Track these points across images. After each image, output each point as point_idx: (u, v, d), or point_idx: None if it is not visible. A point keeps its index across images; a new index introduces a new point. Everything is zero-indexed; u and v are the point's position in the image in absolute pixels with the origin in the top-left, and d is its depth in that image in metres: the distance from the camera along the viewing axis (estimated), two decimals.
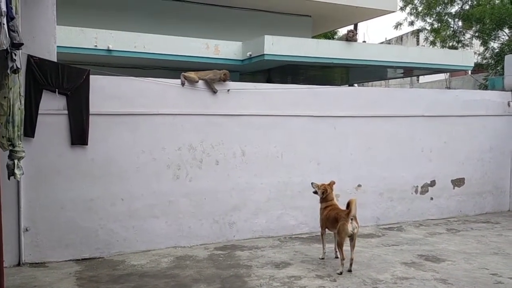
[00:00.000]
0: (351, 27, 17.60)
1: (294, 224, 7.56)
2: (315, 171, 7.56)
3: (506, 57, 9.93)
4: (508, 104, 9.31)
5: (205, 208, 6.96)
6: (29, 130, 5.90)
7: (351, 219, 5.53)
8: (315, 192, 6.22)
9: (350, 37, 10.35)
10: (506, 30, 16.64)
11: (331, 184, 6.20)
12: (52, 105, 6.08)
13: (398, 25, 19.10)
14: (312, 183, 6.28)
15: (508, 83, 9.42)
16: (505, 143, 9.33)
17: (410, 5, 18.45)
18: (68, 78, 6.10)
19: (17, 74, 5.21)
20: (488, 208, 9.25)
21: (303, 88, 7.76)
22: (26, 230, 5.97)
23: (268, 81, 11.95)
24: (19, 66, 5.10)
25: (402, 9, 18.41)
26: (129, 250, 6.49)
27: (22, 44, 4.69)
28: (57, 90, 6.06)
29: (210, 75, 7.00)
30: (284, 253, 6.49)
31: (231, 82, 7.24)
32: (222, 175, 7.06)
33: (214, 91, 6.97)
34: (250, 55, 9.87)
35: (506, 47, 15.67)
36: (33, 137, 5.94)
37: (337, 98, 7.91)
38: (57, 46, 6.22)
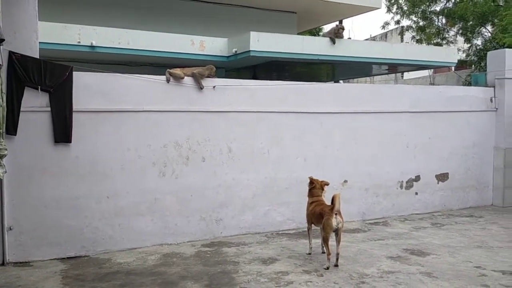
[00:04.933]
0: (336, 23, 17.70)
1: (281, 220, 7.57)
2: (301, 167, 7.59)
3: (489, 53, 10.05)
4: (491, 100, 9.45)
5: (192, 205, 6.93)
6: (11, 127, 5.80)
7: (336, 214, 5.56)
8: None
9: (338, 32, 10.36)
10: (489, 27, 16.87)
11: (323, 182, 6.21)
12: (35, 102, 5.99)
13: (385, 25, 19.30)
14: (309, 177, 6.32)
15: (491, 80, 9.55)
16: (488, 138, 9.47)
17: (395, 5, 18.65)
18: (51, 75, 6.01)
19: None
20: (471, 202, 9.38)
21: (289, 85, 7.76)
22: (10, 229, 5.88)
23: (254, 77, 11.92)
24: (0, 63, 5.03)
25: (388, 9, 18.60)
26: (115, 248, 6.44)
27: (4, 40, 4.63)
28: (39, 87, 5.97)
29: (199, 70, 6.97)
30: (271, 249, 6.50)
31: (217, 79, 7.22)
32: (209, 172, 7.04)
33: (201, 87, 6.94)
34: (236, 51, 9.83)
35: (489, 44, 15.89)
36: (15, 134, 5.84)
37: (323, 94, 7.94)
38: (40, 42, 6.11)
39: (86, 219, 6.29)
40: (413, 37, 19.19)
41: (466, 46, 17.50)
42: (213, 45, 10.05)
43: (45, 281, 5.26)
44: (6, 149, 5.31)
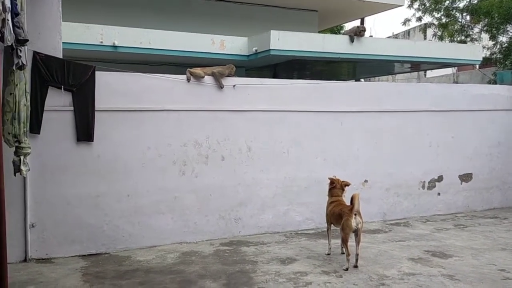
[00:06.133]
0: (358, 21, 17.53)
1: (300, 220, 7.53)
2: (321, 166, 7.53)
3: None
4: None
5: (211, 204, 6.96)
6: (35, 126, 5.91)
7: (355, 214, 5.50)
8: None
9: (359, 33, 10.26)
10: None
11: (344, 184, 6.15)
12: (58, 102, 6.08)
13: (406, 21, 18.98)
14: (329, 177, 6.26)
15: None
16: None
17: (417, 1, 18.32)
18: (74, 75, 6.10)
19: (22, 71, 5.25)
20: (496, 203, 9.18)
21: (309, 84, 7.71)
22: (33, 226, 6.00)
23: (274, 76, 11.92)
24: (24, 63, 5.13)
25: (410, 6, 18.29)
26: (135, 246, 6.51)
27: (27, 40, 4.70)
28: (62, 86, 6.06)
29: (219, 69, 6.99)
30: (290, 249, 6.47)
31: (237, 78, 7.23)
32: (228, 171, 7.05)
33: (221, 87, 6.95)
34: (256, 50, 9.83)
35: None
36: (39, 133, 5.95)
37: (343, 93, 7.86)
38: (63, 43, 6.22)
39: (106, 217, 6.37)
40: (435, 34, 18.83)
41: (491, 43, 17.10)
42: (233, 44, 10.07)
43: (66, 278, 5.35)
44: (29, 148, 5.42)
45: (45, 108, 5.98)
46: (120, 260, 6.03)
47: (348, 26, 18.88)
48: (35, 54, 5.89)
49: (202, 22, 11.39)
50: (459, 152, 8.76)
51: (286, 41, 9.53)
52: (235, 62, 7.98)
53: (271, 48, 9.37)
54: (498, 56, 16.46)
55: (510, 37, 16.42)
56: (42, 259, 6.03)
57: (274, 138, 7.34)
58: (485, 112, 8.97)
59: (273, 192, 7.34)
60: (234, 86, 7.05)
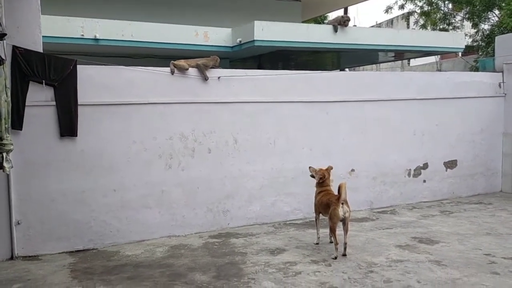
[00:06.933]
0: (341, 11, 17.54)
1: (288, 210, 7.56)
2: (308, 157, 7.54)
3: (497, 38, 9.91)
4: (499, 85, 9.33)
5: (199, 196, 6.93)
6: (17, 122, 5.80)
7: (342, 204, 5.53)
8: (312, 176, 6.20)
9: (343, 23, 10.25)
10: (496, 12, 16.61)
11: (329, 169, 6.17)
12: (40, 97, 5.98)
13: (388, 9, 19.07)
14: (309, 167, 6.24)
15: (499, 65, 9.42)
16: (496, 124, 9.36)
17: None
18: (55, 69, 5.99)
19: (2, 66, 5.12)
20: (480, 189, 9.31)
21: (294, 74, 7.69)
22: (18, 223, 5.92)
23: (259, 67, 11.85)
24: (3, 58, 5.02)
25: None
26: (123, 240, 6.46)
27: (6, 34, 4.61)
28: (44, 81, 5.96)
29: (203, 61, 6.93)
30: (278, 240, 6.49)
31: (222, 69, 7.17)
32: (215, 163, 7.02)
33: (206, 78, 6.90)
34: (240, 41, 9.76)
35: (496, 28, 15.66)
36: (21, 129, 5.85)
37: (328, 83, 7.87)
38: (43, 36, 6.10)
39: (93, 213, 6.30)
40: (417, 21, 18.96)
41: (473, 31, 17.27)
42: (217, 36, 9.99)
43: (54, 275, 5.29)
44: (12, 144, 5.30)
45: (26, 104, 5.88)
46: (108, 256, 5.98)
47: (332, 15, 18.89)
48: (15, 49, 5.76)
49: (185, 14, 11.27)
50: (443, 140, 8.85)
51: (270, 32, 9.47)
52: (219, 54, 7.92)
53: (255, 39, 9.31)
54: (481, 43, 16.64)
55: (491, 25, 16.60)
56: (29, 256, 5.95)
57: (260, 129, 7.32)
58: (468, 100, 9.05)
59: (260, 184, 7.34)
60: (218, 78, 7.00)
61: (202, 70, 6.87)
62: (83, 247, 6.24)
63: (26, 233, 5.98)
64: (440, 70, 19.64)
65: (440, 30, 17.36)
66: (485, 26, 16.99)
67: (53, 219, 6.09)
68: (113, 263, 5.69)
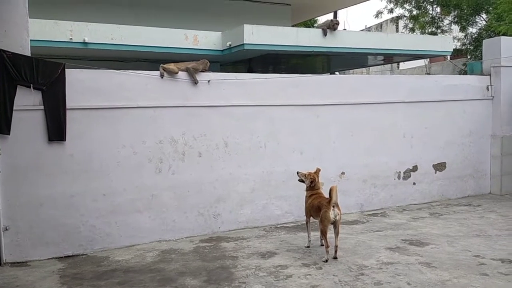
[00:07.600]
0: (331, 15, 17.61)
1: (279, 213, 7.55)
2: (298, 160, 7.55)
3: (484, 41, 10.01)
4: (487, 88, 9.42)
5: (189, 200, 6.90)
6: (4, 127, 5.75)
7: (333, 206, 5.54)
8: (301, 181, 6.20)
9: (333, 26, 10.29)
10: (484, 16, 16.81)
11: (317, 171, 6.18)
12: (28, 101, 5.92)
13: (378, 14, 19.23)
14: (297, 172, 6.24)
15: (487, 68, 9.52)
16: (484, 127, 9.45)
17: None
18: (43, 73, 5.94)
19: None
20: (469, 191, 9.38)
21: (285, 78, 7.71)
22: (6, 229, 5.84)
23: (249, 71, 11.86)
24: None
25: None
26: (113, 245, 6.41)
27: None
28: (32, 85, 5.90)
29: (193, 64, 6.92)
30: (269, 243, 6.48)
31: (212, 73, 7.16)
32: (205, 167, 7.00)
33: (196, 82, 6.88)
34: (230, 45, 9.75)
35: (484, 32, 15.84)
36: (8, 134, 5.78)
37: (318, 86, 7.89)
38: (31, 40, 6.05)
39: (82, 217, 6.25)
40: (406, 25, 19.14)
41: (462, 34, 17.46)
42: (207, 39, 9.96)
43: (43, 281, 5.23)
44: None
45: (14, 108, 5.82)
46: (98, 261, 5.93)
47: (321, 20, 18.97)
48: (2, 53, 5.71)
49: (174, 17, 11.24)
50: (432, 142, 8.91)
51: (260, 35, 9.48)
52: (209, 57, 7.92)
53: (245, 42, 9.30)
54: (469, 47, 16.81)
55: (479, 28, 16.79)
56: (17, 262, 5.88)
57: (250, 133, 7.32)
58: (456, 102, 9.13)
59: (251, 187, 7.33)
60: (208, 81, 6.99)
61: (192, 74, 6.86)
62: (73, 253, 6.18)
63: (15, 238, 5.90)
64: (429, 73, 19.80)
65: (429, 33, 17.52)
66: (473, 30, 17.19)
67: (42, 225, 6.03)
68: (103, 268, 5.64)
